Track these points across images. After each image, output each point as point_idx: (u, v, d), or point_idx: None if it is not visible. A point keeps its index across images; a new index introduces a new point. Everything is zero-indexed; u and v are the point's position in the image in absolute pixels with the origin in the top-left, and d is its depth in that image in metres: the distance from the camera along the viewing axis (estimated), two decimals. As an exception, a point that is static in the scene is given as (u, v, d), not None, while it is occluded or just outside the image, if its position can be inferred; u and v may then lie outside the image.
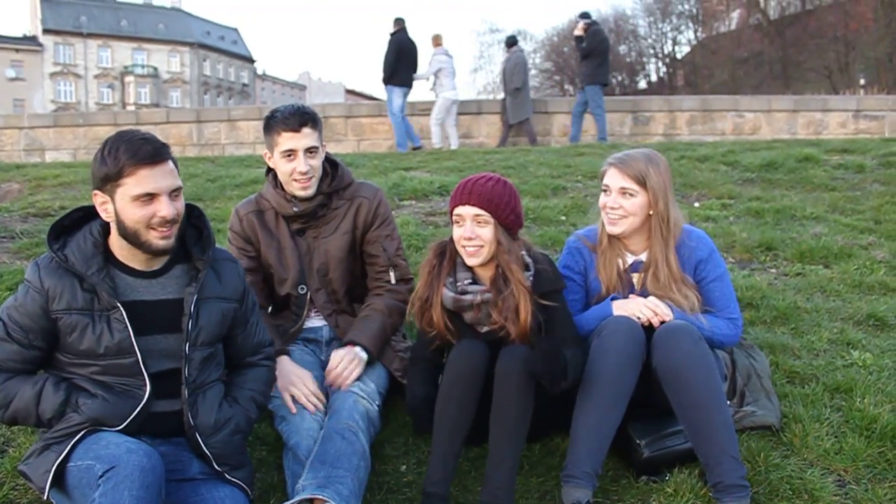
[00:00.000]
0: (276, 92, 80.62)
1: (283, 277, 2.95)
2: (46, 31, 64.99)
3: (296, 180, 2.83)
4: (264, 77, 79.23)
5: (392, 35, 11.60)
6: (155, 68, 68.72)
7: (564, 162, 7.33)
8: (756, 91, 30.15)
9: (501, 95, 13.63)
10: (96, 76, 67.62)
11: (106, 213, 2.11)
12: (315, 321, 3.01)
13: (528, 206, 5.44)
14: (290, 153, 2.81)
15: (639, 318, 2.54)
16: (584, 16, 11.97)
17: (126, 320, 2.08)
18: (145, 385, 2.11)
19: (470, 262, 2.58)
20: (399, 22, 11.74)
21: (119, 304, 2.08)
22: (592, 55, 11.55)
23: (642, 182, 2.65)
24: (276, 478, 2.56)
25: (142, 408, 2.09)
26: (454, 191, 2.61)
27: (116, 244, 2.16)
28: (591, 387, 2.43)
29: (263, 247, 2.95)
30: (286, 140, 2.80)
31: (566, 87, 50.11)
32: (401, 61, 11.42)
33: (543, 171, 6.92)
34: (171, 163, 2.12)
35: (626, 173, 2.66)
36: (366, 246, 2.98)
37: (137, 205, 2.06)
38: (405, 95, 11.67)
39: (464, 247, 2.56)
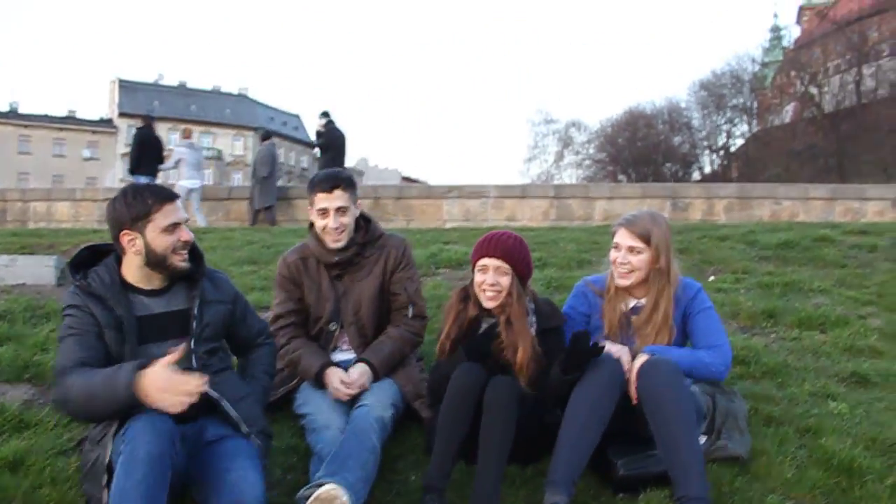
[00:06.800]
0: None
1: (318, 315, 3.43)
2: (122, 115, 68.77)
3: (328, 234, 3.34)
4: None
5: (138, 129, 13.37)
6: (220, 151, 71.73)
7: (593, 239, 7.69)
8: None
9: (549, 182, 14.27)
10: (164, 156, 70.75)
11: (134, 247, 2.67)
12: (345, 354, 3.45)
13: (552, 276, 5.84)
14: (323, 211, 3.33)
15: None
16: (324, 115, 13.35)
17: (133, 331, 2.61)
18: None
19: (487, 304, 3.09)
20: (145, 119, 13.84)
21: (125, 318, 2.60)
22: (329, 149, 13.06)
23: (647, 240, 3.12)
24: (303, 481, 2.94)
25: None
26: (478, 244, 3.14)
27: (131, 272, 2.71)
28: (574, 409, 2.82)
29: (305, 289, 3.44)
30: (320, 200, 3.32)
31: (619, 177, 50.64)
32: (143, 154, 12.96)
33: (572, 246, 7.31)
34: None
35: (633, 232, 3.14)
36: (391, 286, 3.45)
37: (166, 234, 2.66)
38: None
39: (484, 290, 3.08)
